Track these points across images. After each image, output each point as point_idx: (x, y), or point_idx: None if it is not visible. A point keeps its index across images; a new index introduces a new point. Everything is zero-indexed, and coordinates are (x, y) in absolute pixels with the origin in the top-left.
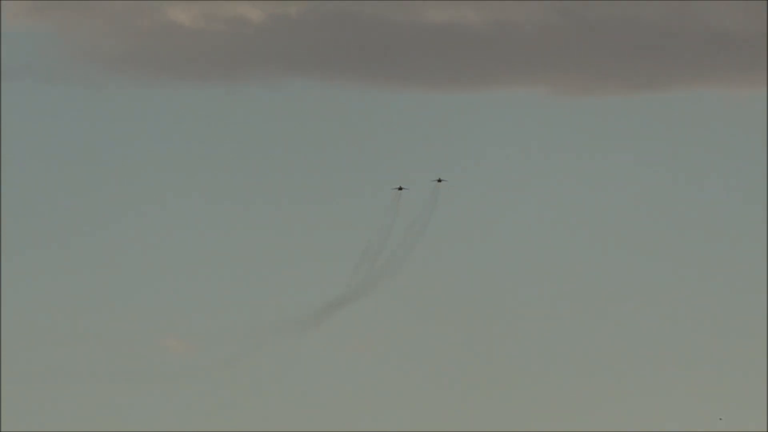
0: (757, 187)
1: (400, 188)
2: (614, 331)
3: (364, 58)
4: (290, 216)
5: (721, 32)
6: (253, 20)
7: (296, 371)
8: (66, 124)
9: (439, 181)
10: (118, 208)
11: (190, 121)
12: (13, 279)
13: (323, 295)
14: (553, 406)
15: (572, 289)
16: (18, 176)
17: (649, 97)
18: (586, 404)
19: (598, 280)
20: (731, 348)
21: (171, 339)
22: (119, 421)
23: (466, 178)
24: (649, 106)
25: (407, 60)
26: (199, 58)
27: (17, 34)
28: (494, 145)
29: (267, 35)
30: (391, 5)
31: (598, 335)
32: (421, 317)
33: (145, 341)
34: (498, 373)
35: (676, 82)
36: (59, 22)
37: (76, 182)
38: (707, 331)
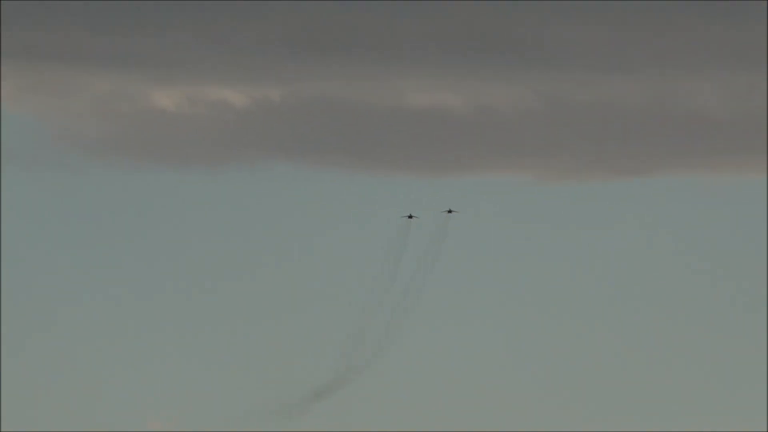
0: (739, 270)
1: (411, 216)
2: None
3: (347, 143)
4: (274, 298)
5: (703, 116)
6: (235, 105)
7: None
8: (48, 209)
9: (450, 212)
10: (98, 293)
11: (174, 206)
12: None
13: (311, 380)
14: None
15: (557, 367)
16: None
17: (632, 181)
18: None
19: (580, 364)
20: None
21: (157, 424)
22: None
23: (450, 261)
24: (632, 191)
25: (390, 144)
26: (182, 143)
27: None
28: (477, 230)
29: (250, 119)
30: (373, 89)
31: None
32: (403, 406)
33: (133, 426)
34: None
35: (658, 166)
36: (41, 107)
37: (59, 267)
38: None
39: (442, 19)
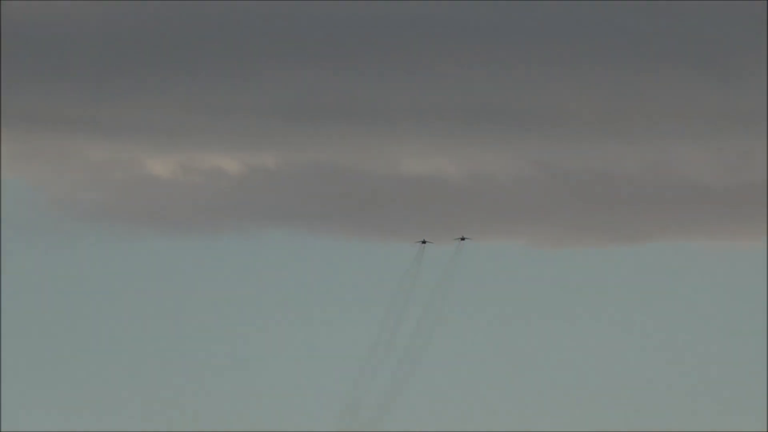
0: (735, 336)
1: (424, 242)
2: None
3: (342, 210)
4: (268, 364)
5: (699, 184)
6: (230, 171)
7: None
8: (43, 275)
9: (463, 239)
10: (92, 356)
11: (169, 273)
12: None
13: None
14: None
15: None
16: None
17: (627, 248)
18: None
19: (575, 421)
20: None
21: None
22: None
23: (445, 327)
24: (628, 258)
25: (385, 211)
26: (177, 210)
27: None
28: (472, 296)
29: (245, 187)
30: (369, 156)
31: None
32: None
33: None
34: None
35: (653, 234)
36: (37, 173)
37: (54, 331)
38: None
39: (437, 87)
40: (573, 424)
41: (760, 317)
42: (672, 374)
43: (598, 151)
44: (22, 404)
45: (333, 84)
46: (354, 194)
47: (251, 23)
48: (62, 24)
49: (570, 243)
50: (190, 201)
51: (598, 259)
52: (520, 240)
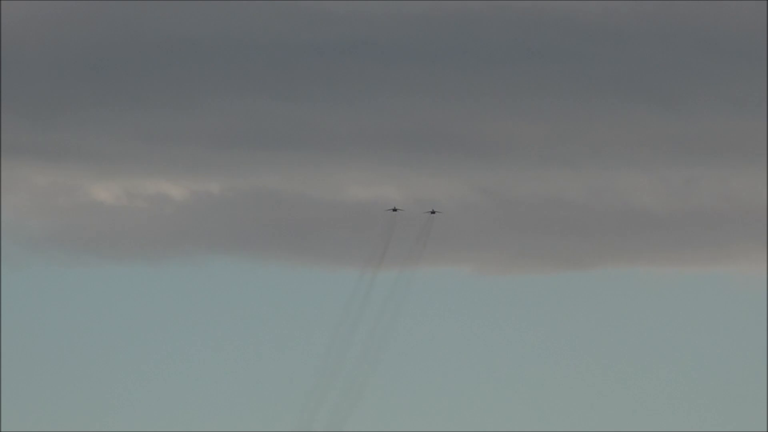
0: (682, 360)
1: (395, 209)
2: None
3: (287, 236)
4: (211, 391)
5: (642, 210)
6: (174, 198)
7: None
8: None
9: (433, 212)
10: (34, 383)
11: (113, 299)
12: None
13: None
14: None
15: None
16: None
17: (572, 275)
18: None
19: None
20: None
21: None
22: None
23: (391, 353)
24: (572, 284)
25: (331, 238)
26: (122, 236)
27: None
28: (418, 323)
29: (189, 213)
30: (313, 183)
31: None
32: None
33: None
34: None
35: (598, 260)
36: None
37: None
38: None
39: (382, 113)
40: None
41: (707, 341)
42: (617, 399)
43: (544, 177)
44: None
45: (277, 110)
46: (298, 220)
47: (195, 50)
48: (4, 50)
49: (516, 269)
50: (134, 227)
51: (544, 286)
52: (466, 267)
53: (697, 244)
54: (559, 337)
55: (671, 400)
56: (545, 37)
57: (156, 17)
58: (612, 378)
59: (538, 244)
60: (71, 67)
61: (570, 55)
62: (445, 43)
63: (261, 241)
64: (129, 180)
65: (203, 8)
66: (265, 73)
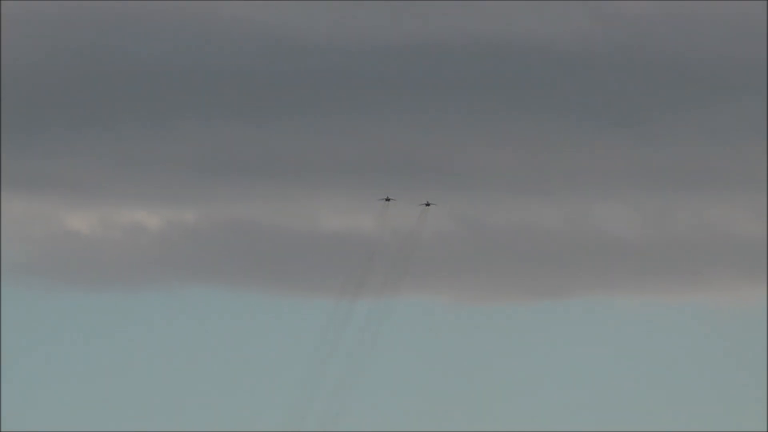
0: (659, 392)
1: (388, 199)
2: None
3: (262, 265)
4: (188, 422)
5: (619, 239)
6: (150, 227)
7: None
8: None
9: (428, 205)
10: (7, 418)
11: (89, 329)
12: None
13: None
14: None
15: None
16: None
17: (548, 304)
18: None
19: None
20: None
21: None
22: None
23: (365, 384)
24: (549, 313)
25: (305, 267)
26: (97, 266)
27: None
28: (395, 353)
29: (164, 242)
30: (289, 212)
31: None
32: None
33: None
34: None
35: (575, 289)
36: None
37: None
38: None
39: (356, 142)
40: None
41: (683, 369)
42: (596, 428)
43: (521, 206)
44: None
45: (251, 140)
46: (274, 250)
47: (170, 78)
48: None
49: (493, 299)
50: (109, 256)
51: (522, 315)
52: (442, 296)
53: (674, 273)
54: (537, 366)
55: (649, 429)
56: (521, 65)
57: (131, 43)
58: (591, 408)
59: (516, 273)
60: (45, 94)
61: (545, 84)
62: (421, 72)
63: (236, 270)
64: (104, 209)
65: (179, 35)
66: (240, 102)
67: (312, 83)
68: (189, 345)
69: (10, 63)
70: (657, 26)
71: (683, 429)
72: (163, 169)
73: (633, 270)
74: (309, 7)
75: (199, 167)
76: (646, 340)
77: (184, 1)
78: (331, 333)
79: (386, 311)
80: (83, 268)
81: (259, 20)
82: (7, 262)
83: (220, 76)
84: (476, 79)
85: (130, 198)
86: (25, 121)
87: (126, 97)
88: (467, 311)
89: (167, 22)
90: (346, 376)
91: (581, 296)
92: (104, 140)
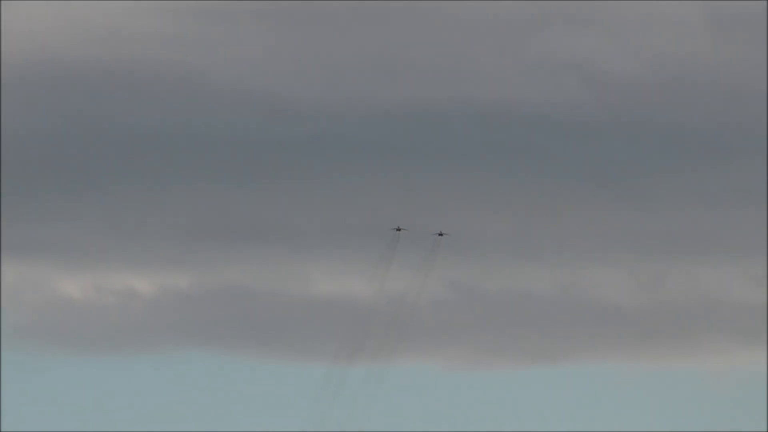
0: None
1: (399, 229)
2: None
3: (255, 330)
4: None
5: (611, 304)
6: (143, 292)
7: None
8: None
9: (441, 234)
10: None
11: (83, 393)
12: None
13: None
14: None
15: None
16: None
17: (542, 369)
18: None
19: None
20: None
21: None
22: None
23: None
24: (543, 379)
25: (299, 332)
26: (91, 331)
27: None
28: (388, 418)
29: (157, 307)
30: (282, 277)
31: None
32: None
33: None
34: None
35: (568, 354)
36: None
37: None
38: None
39: (349, 207)
40: None
41: None
42: None
43: (513, 272)
44: None
45: (243, 205)
46: (267, 315)
47: (164, 145)
48: None
49: (486, 364)
50: (102, 322)
51: (515, 381)
52: (436, 362)
53: (667, 338)
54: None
55: None
56: (515, 131)
57: (124, 110)
58: None
59: (509, 339)
60: (37, 159)
61: (539, 151)
62: (415, 137)
63: (230, 335)
64: (97, 274)
65: (172, 102)
66: (232, 168)
67: (304, 148)
68: (182, 409)
69: (4, 130)
70: (649, 93)
71: None
72: (156, 234)
73: (627, 335)
74: (301, 73)
75: (192, 233)
76: (639, 404)
77: (177, 67)
78: (324, 397)
79: (380, 376)
80: (77, 333)
81: (252, 87)
82: (2, 327)
83: (213, 143)
84: (469, 144)
85: (123, 263)
86: (19, 186)
87: (119, 163)
88: (461, 376)
89: (160, 89)
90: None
91: (575, 361)
92: (97, 206)
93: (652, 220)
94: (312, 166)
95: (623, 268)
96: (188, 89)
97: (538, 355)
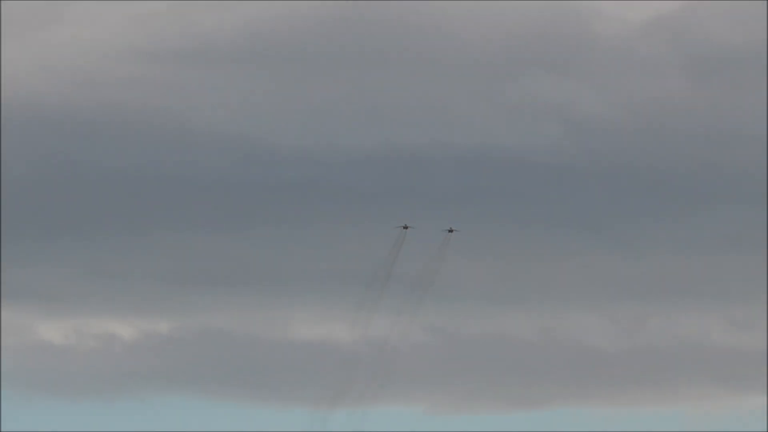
0: None
1: (406, 227)
2: None
3: (236, 375)
4: None
5: (593, 349)
6: (123, 337)
7: None
8: None
9: (451, 231)
10: None
11: None
12: None
13: None
14: None
15: None
16: None
17: (524, 414)
18: None
19: None
20: None
21: None
22: None
23: None
24: (525, 423)
25: (280, 377)
26: (71, 376)
27: None
28: None
29: (138, 352)
30: (262, 322)
31: None
32: None
33: None
34: None
35: (550, 399)
36: None
37: None
38: None
39: (328, 250)
40: None
41: None
42: None
43: (494, 317)
44: None
45: (224, 250)
46: (247, 360)
47: (144, 190)
48: None
49: (468, 409)
50: (83, 366)
51: (497, 425)
52: (418, 406)
53: (648, 383)
54: None
55: None
56: (496, 176)
57: (104, 155)
58: None
59: (491, 384)
60: (17, 206)
61: (519, 195)
62: (396, 182)
63: (211, 380)
64: (77, 319)
65: (152, 147)
66: (213, 213)
67: (285, 193)
68: None
69: None
70: (629, 137)
71: None
72: (136, 279)
73: (608, 379)
74: (282, 118)
75: (173, 277)
76: None
77: (158, 113)
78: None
79: (361, 420)
80: (58, 378)
81: (233, 133)
82: None
83: (194, 188)
84: (449, 189)
85: (103, 308)
86: None
87: (99, 208)
88: (443, 420)
89: (141, 135)
90: None
91: (557, 405)
92: (77, 251)
93: (633, 264)
94: (293, 210)
95: (604, 313)
96: (169, 135)
97: (520, 400)
